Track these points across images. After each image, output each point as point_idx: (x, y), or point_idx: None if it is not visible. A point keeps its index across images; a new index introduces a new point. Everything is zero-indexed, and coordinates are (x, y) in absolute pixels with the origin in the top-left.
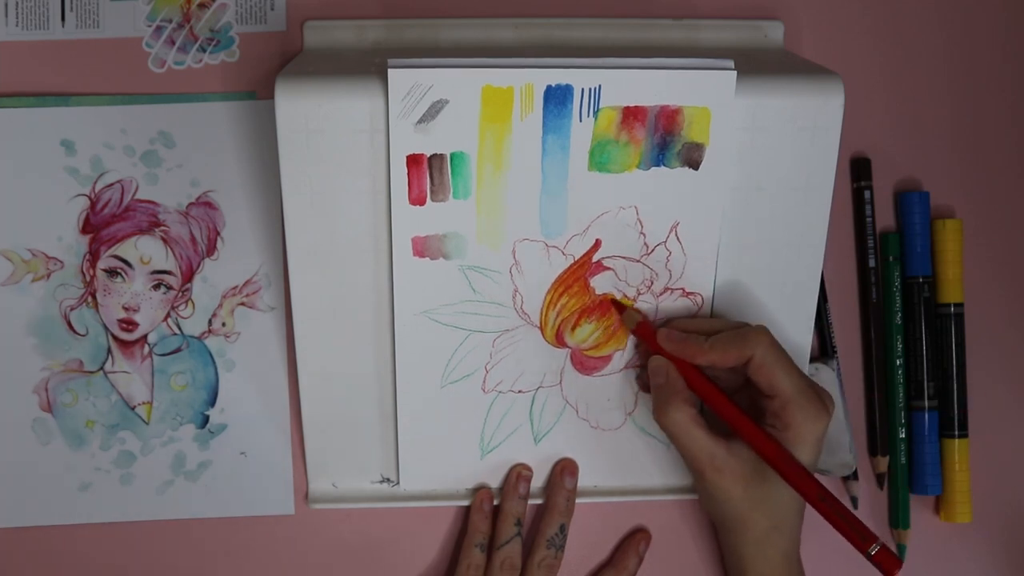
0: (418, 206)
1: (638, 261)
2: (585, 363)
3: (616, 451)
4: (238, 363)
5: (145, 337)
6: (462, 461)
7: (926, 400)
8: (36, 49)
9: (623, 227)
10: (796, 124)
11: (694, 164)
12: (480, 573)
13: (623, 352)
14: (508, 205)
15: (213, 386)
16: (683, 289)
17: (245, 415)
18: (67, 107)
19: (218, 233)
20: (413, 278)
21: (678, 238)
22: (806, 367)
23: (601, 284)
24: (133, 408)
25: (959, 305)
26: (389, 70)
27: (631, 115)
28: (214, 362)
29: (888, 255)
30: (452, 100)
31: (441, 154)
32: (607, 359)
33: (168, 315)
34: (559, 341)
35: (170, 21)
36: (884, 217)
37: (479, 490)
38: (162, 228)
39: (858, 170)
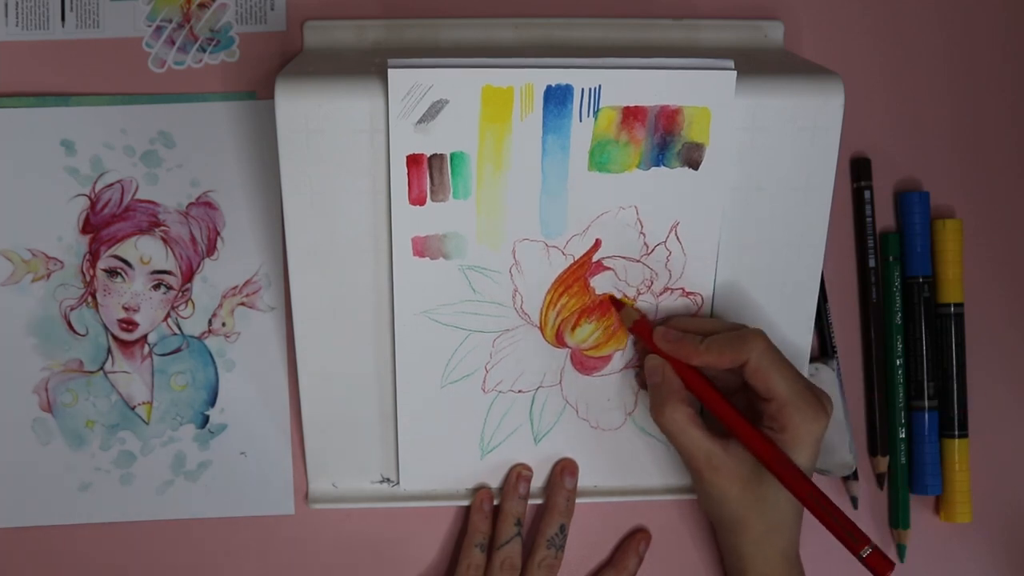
0: (418, 206)
1: (638, 261)
2: (585, 363)
3: (616, 451)
4: (238, 363)
5: (145, 337)
6: (462, 461)
7: (926, 400)
8: (36, 49)
9: (623, 227)
10: (796, 124)
11: (694, 164)
12: (480, 573)
13: (623, 352)
14: (508, 205)
15: (213, 386)
16: (683, 289)
17: (245, 415)
18: (67, 107)
19: (218, 233)
20: (413, 278)
21: (678, 238)
22: (806, 367)
23: (601, 284)
24: (133, 408)
25: (959, 305)
26: (389, 70)
27: (631, 115)
28: (214, 362)
29: (888, 255)
30: (452, 100)
31: (441, 154)
32: (607, 359)
33: (168, 315)
34: (559, 341)
35: (170, 21)
36: (884, 217)
37: (479, 490)
38: (162, 228)
39: (858, 170)
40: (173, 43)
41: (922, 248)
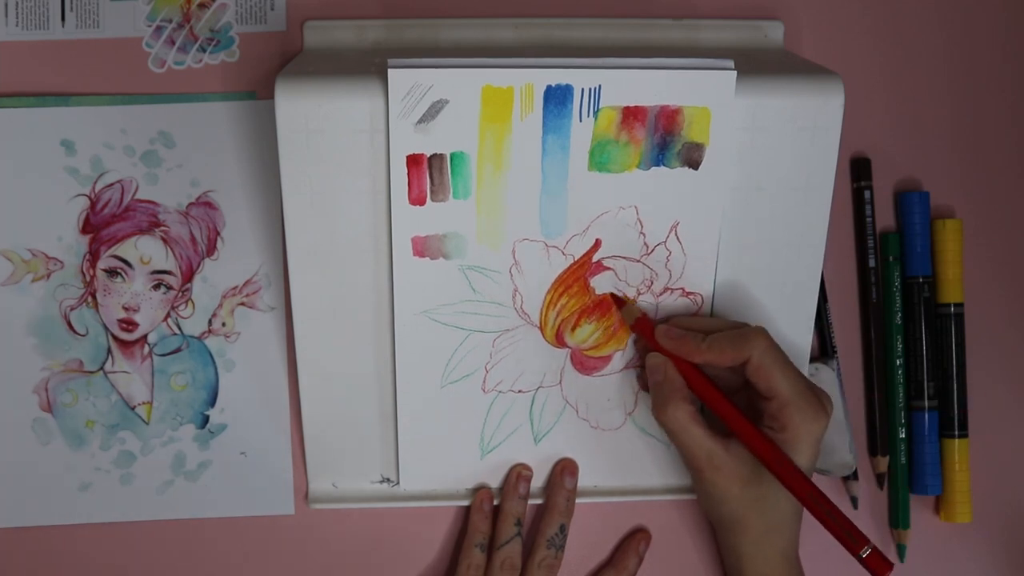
0: (418, 206)
1: (638, 261)
2: (585, 363)
3: (616, 451)
4: (238, 363)
5: (145, 337)
6: (462, 461)
7: (926, 400)
8: (36, 49)
9: (623, 227)
10: (796, 124)
11: (694, 164)
12: (480, 573)
13: (623, 352)
14: (508, 205)
15: (213, 386)
16: (683, 289)
17: (245, 415)
18: (67, 107)
19: (218, 233)
20: (413, 278)
21: (678, 238)
22: (806, 367)
23: (601, 284)
24: (133, 408)
25: (959, 305)
26: (389, 70)
27: (631, 115)
28: (214, 362)
29: (888, 255)
30: (452, 100)
31: (441, 154)
32: (607, 359)
33: (168, 315)
34: (559, 341)
35: (170, 21)
36: (884, 217)
37: (479, 490)
38: (162, 228)
39: (858, 170)
40: (173, 43)
41: (922, 248)
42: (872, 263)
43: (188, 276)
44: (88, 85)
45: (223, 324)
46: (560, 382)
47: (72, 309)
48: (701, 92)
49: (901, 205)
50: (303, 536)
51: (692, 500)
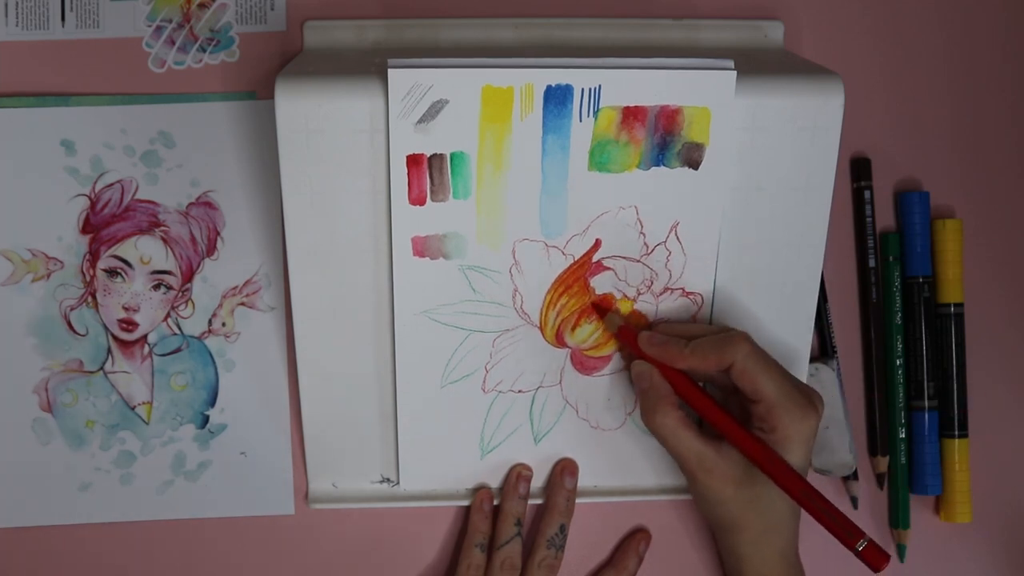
0: (418, 206)
1: (638, 261)
2: (585, 363)
3: (616, 451)
4: (238, 363)
5: (145, 337)
6: (462, 461)
7: (926, 400)
8: (36, 49)
9: (623, 227)
10: (796, 124)
11: (694, 164)
12: (480, 573)
13: (623, 352)
14: (508, 205)
15: (213, 386)
16: (683, 289)
17: (245, 415)
18: (67, 107)
19: (218, 233)
20: (413, 278)
21: (678, 238)
22: (806, 367)
23: (601, 284)
24: (133, 408)
25: (959, 305)
26: (389, 70)
27: (631, 115)
28: (214, 362)
29: (888, 255)
30: (452, 100)
31: (441, 154)
32: (607, 359)
33: (168, 315)
34: (559, 341)
35: (170, 21)
36: (884, 217)
37: (479, 490)
38: (162, 228)
39: (858, 170)
40: (173, 43)
41: (922, 248)
42: (872, 263)
43: (188, 276)
44: (88, 85)
45: (223, 324)
46: (560, 382)
47: (72, 309)
48: (701, 92)
49: (901, 205)
50: (303, 536)
51: (692, 500)
